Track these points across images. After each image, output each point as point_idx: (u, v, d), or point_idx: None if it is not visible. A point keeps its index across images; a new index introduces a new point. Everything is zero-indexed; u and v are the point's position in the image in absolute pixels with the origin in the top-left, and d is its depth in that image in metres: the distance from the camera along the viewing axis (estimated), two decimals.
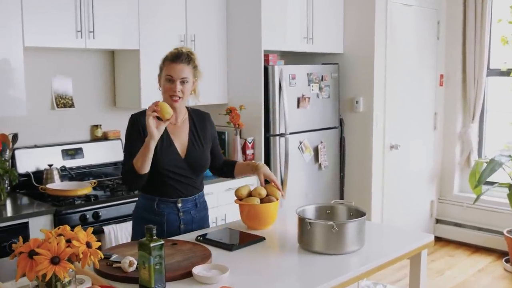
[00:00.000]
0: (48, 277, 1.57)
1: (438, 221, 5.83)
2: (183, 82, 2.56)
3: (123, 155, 2.64)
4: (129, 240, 3.01)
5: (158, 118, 2.39)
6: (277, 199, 2.68)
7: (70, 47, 3.56)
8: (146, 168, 2.45)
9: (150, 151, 2.42)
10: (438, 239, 5.57)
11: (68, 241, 1.64)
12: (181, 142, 2.65)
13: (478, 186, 5.03)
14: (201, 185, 2.77)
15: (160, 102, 2.41)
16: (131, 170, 2.47)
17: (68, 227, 1.72)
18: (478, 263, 5.11)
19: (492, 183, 5.12)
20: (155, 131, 2.38)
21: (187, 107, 2.76)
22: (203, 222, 2.78)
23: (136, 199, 3.48)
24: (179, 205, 2.65)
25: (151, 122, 2.36)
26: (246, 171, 2.82)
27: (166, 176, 2.59)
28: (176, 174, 2.61)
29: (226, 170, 2.89)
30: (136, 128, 2.59)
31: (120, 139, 4.12)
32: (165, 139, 2.58)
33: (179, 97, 2.57)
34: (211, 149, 2.79)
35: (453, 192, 5.76)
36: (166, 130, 2.56)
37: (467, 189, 5.53)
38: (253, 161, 2.83)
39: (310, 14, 4.64)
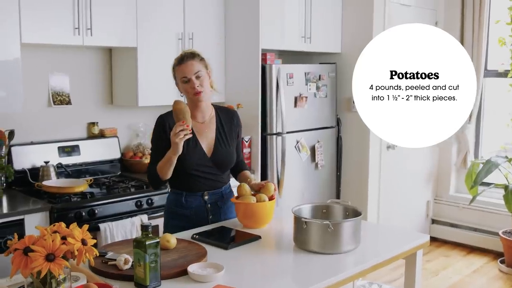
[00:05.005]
0: (42, 274, 1.57)
1: (434, 221, 5.83)
2: (197, 76, 2.63)
3: (150, 153, 2.77)
4: (121, 239, 3.04)
5: None
6: (273, 198, 2.69)
7: (67, 44, 3.54)
8: (168, 175, 2.61)
9: (173, 164, 2.55)
10: (433, 240, 5.58)
11: (63, 238, 1.63)
12: (207, 141, 2.71)
13: (474, 187, 5.04)
14: (227, 178, 2.86)
15: (181, 110, 2.46)
16: (155, 175, 2.62)
17: (63, 224, 1.72)
18: (473, 264, 5.11)
19: (488, 184, 5.13)
20: (181, 149, 2.48)
21: (213, 105, 2.82)
22: (230, 212, 2.83)
23: (130, 197, 3.50)
24: (206, 197, 2.74)
25: (182, 143, 2.46)
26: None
27: (192, 175, 2.68)
28: (202, 172, 2.70)
29: (234, 170, 2.93)
30: (163, 129, 2.64)
31: (117, 137, 4.12)
32: (191, 139, 2.60)
33: (200, 91, 2.63)
34: None
35: (449, 192, 5.76)
36: (192, 129, 2.57)
37: (463, 189, 5.54)
38: (250, 179, 2.86)
39: (308, 13, 4.63)
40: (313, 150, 4.70)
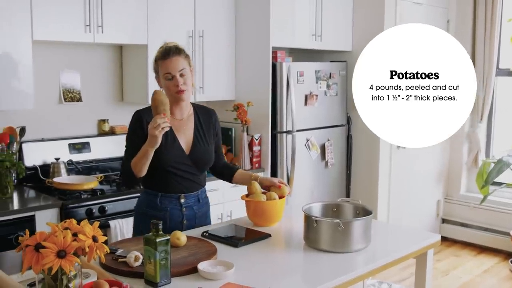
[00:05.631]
0: (54, 271, 1.57)
1: (444, 221, 5.80)
2: (182, 74, 2.52)
3: (124, 150, 2.61)
4: (131, 236, 3.00)
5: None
6: (283, 196, 2.68)
7: (78, 41, 3.56)
8: (144, 172, 2.47)
9: (149, 159, 2.43)
10: (444, 239, 5.54)
11: (75, 234, 1.63)
12: (185, 138, 2.61)
13: (485, 186, 5.00)
14: (204, 181, 2.74)
15: (162, 102, 2.36)
16: (129, 171, 2.49)
17: (74, 221, 1.72)
18: (484, 263, 5.08)
19: (499, 184, 5.09)
20: (159, 142, 2.37)
21: (192, 103, 2.72)
22: (205, 217, 2.76)
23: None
24: (182, 200, 2.62)
25: (161, 136, 2.35)
26: (246, 182, 2.75)
27: (169, 173, 2.57)
28: (180, 170, 2.58)
29: (225, 173, 2.85)
30: (141, 126, 2.53)
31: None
32: (169, 135, 2.52)
33: (184, 90, 2.53)
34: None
35: (460, 192, 5.73)
36: (170, 126, 2.48)
37: (474, 189, 5.50)
38: (254, 174, 2.80)
39: (319, 11, 4.62)
40: (323, 148, 4.68)
